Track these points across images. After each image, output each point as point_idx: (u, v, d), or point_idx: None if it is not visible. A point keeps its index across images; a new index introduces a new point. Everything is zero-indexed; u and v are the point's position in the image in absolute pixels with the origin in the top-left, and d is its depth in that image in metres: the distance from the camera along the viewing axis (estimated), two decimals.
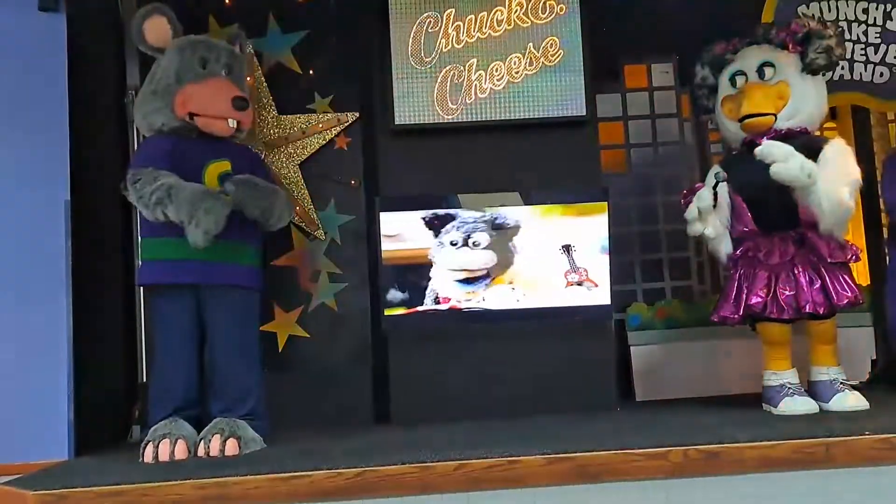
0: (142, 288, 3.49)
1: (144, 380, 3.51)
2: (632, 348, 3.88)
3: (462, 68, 3.56)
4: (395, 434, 3.17)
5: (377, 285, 3.49)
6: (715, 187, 3.15)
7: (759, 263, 3.14)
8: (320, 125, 3.64)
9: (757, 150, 3.00)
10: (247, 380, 3.05)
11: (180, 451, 2.82)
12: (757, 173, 3.03)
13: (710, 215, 3.18)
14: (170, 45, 3.11)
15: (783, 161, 2.94)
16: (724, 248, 3.22)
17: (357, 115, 3.65)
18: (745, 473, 2.52)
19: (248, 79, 3.45)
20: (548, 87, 3.58)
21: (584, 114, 3.60)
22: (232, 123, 3.09)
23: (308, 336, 3.56)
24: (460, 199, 3.46)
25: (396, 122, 3.54)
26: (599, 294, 3.48)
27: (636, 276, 4.18)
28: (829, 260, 3.06)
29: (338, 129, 3.65)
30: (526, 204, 3.49)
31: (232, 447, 2.85)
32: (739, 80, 3.31)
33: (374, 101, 3.65)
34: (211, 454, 2.83)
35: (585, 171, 3.65)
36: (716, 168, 3.31)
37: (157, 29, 3.10)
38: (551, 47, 3.60)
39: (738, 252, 3.20)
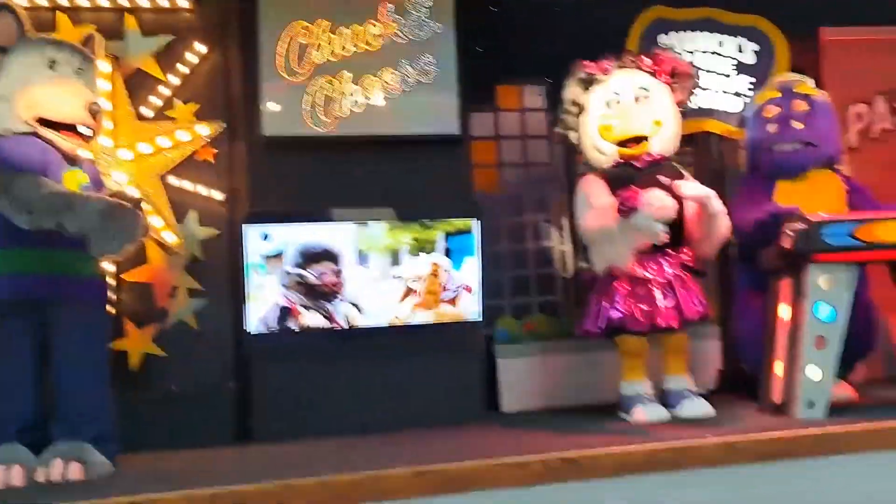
0: None
1: None
2: (499, 361, 3.95)
3: (335, 81, 3.54)
4: (256, 454, 3.11)
5: (240, 302, 3.39)
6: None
7: (623, 280, 3.27)
8: (183, 135, 3.50)
9: (681, 186, 3.22)
10: (93, 400, 2.87)
11: (16, 478, 2.63)
12: None
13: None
14: (15, 44, 2.90)
15: (712, 197, 3.19)
16: (631, 257, 3.26)
17: (223, 125, 3.56)
18: (603, 479, 2.61)
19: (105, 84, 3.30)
20: (422, 105, 3.61)
21: (458, 132, 3.66)
22: (84, 130, 2.92)
23: (165, 355, 3.41)
24: (333, 214, 3.44)
25: (265, 134, 3.48)
26: (470, 309, 3.54)
27: (505, 291, 4.27)
28: (689, 267, 3.26)
29: (202, 140, 3.52)
30: (400, 220, 3.51)
31: (76, 471, 2.68)
32: (617, 102, 3.41)
33: (242, 111, 3.56)
34: (52, 479, 2.66)
35: (458, 188, 3.70)
36: (594, 177, 3.41)
37: (1, 27, 2.90)
38: (426, 64, 3.63)
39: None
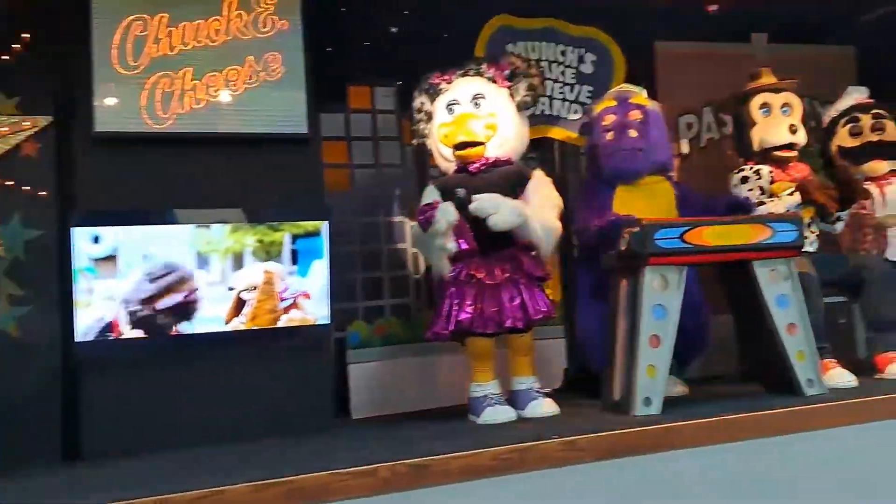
0: None
1: None
2: (350, 366, 3.90)
3: (175, 76, 3.38)
4: (86, 472, 2.91)
5: (69, 309, 3.17)
6: (457, 204, 3.27)
7: (471, 282, 3.31)
8: (4, 129, 3.24)
9: (471, 207, 3.23)
10: None
11: None
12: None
13: (450, 232, 3.28)
14: None
15: (496, 212, 3.20)
16: (447, 266, 3.34)
17: (50, 119, 3.31)
18: (452, 483, 2.61)
19: None
20: (269, 103, 3.51)
21: (307, 132, 3.58)
22: None
23: None
24: (177, 215, 3.28)
25: (97, 130, 3.27)
26: (319, 313, 3.47)
27: (357, 294, 4.23)
28: (535, 275, 3.33)
29: (25, 133, 3.26)
30: (248, 221, 3.39)
31: None
32: (454, 109, 3.49)
33: (73, 105, 3.33)
34: None
35: (308, 189, 3.63)
36: (431, 187, 3.48)
37: None
38: (272, 62, 3.53)
39: (453, 271, 3.34)
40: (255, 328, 3.38)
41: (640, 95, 3.84)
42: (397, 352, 3.97)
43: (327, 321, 3.50)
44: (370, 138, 4.37)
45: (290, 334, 3.43)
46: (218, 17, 3.47)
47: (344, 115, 4.32)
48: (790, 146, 3.88)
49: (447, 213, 3.24)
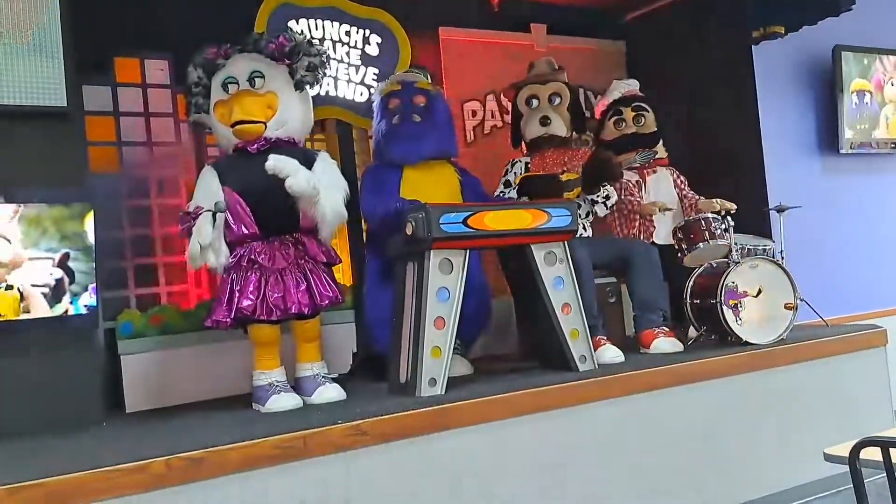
0: None
1: None
2: (122, 358, 3.64)
3: None
4: None
5: None
6: (214, 216, 3.09)
7: (252, 267, 3.17)
8: None
9: (267, 164, 3.05)
10: None
11: None
12: (257, 178, 3.12)
13: (209, 250, 3.10)
14: None
15: (293, 175, 3.04)
16: (223, 261, 3.17)
17: None
18: (230, 475, 2.51)
19: None
20: (19, 72, 3.14)
21: (66, 105, 3.25)
22: None
23: None
24: None
25: None
26: (84, 302, 3.17)
27: (129, 282, 3.94)
28: (320, 261, 3.25)
29: None
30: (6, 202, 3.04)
31: None
32: (231, 87, 3.33)
33: None
34: None
35: (69, 168, 3.29)
36: (209, 168, 3.31)
37: None
38: (24, 27, 3.16)
39: (233, 257, 3.19)
40: (14, 319, 3.03)
41: (424, 81, 3.88)
42: (175, 341, 3.75)
43: (94, 310, 3.21)
44: (140, 114, 4.08)
45: (48, 326, 3.11)
46: None
47: (111, 89, 3.99)
48: (551, 137, 4.06)
49: (201, 234, 3.05)
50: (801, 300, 3.89)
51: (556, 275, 3.37)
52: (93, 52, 3.59)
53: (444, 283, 3.12)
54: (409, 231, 3.14)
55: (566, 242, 3.40)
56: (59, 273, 3.13)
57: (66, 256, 3.14)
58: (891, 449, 1.92)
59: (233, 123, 3.27)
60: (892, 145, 5.47)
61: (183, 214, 3.18)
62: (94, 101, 3.84)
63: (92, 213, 3.19)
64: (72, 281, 3.16)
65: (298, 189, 3.06)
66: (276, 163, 3.07)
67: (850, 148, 5.24)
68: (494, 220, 3.22)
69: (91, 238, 3.18)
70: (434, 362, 3.08)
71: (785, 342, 3.78)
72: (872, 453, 1.96)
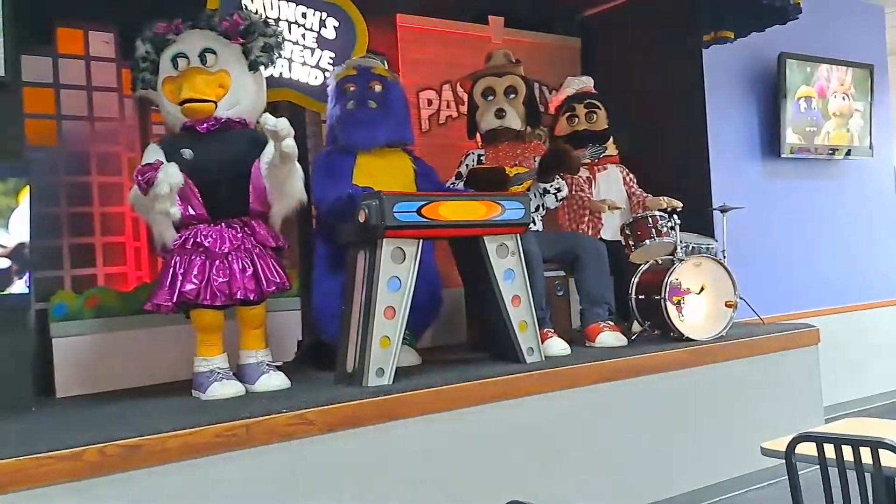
0: None
1: None
2: (54, 340, 3.50)
3: None
4: None
5: None
6: (183, 166, 2.98)
7: (198, 250, 3.08)
8: None
9: (266, 122, 2.91)
10: None
11: None
12: (206, 158, 3.04)
13: (174, 195, 2.96)
14: None
15: (291, 136, 2.94)
16: (171, 233, 3.08)
17: None
18: (168, 463, 2.44)
19: None
20: None
21: (3, 74, 3.10)
22: None
23: None
24: None
25: None
26: (15, 282, 3.03)
27: (64, 261, 3.79)
28: (268, 245, 3.17)
29: None
30: None
31: None
32: (181, 63, 3.23)
33: None
34: None
35: (5, 140, 3.14)
36: (154, 146, 3.18)
37: None
38: None
39: (178, 239, 3.09)
40: None
41: (380, 67, 3.83)
42: (112, 324, 3.62)
43: (26, 290, 3.07)
44: (83, 87, 3.93)
45: None
46: None
47: (52, 60, 3.83)
48: (505, 130, 4.06)
49: (171, 175, 2.92)
50: (741, 298, 3.98)
51: (507, 267, 3.37)
52: (34, 20, 3.43)
53: (396, 272, 3.08)
54: (361, 218, 3.09)
55: (518, 235, 3.40)
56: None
57: None
58: (824, 444, 2.01)
59: (181, 101, 3.16)
60: (830, 151, 5.64)
61: (143, 166, 3.03)
62: (34, 71, 3.67)
63: (28, 189, 3.05)
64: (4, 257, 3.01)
65: (294, 152, 2.97)
66: (277, 122, 2.92)
67: (791, 152, 5.39)
68: (449, 211, 3.19)
69: (27, 214, 3.03)
70: (382, 352, 3.04)
71: (724, 339, 3.87)
72: (807, 448, 2.04)
